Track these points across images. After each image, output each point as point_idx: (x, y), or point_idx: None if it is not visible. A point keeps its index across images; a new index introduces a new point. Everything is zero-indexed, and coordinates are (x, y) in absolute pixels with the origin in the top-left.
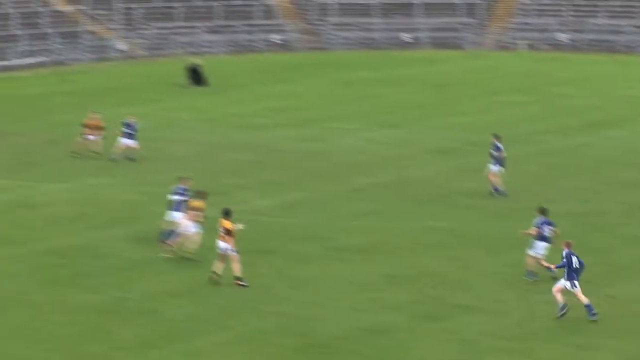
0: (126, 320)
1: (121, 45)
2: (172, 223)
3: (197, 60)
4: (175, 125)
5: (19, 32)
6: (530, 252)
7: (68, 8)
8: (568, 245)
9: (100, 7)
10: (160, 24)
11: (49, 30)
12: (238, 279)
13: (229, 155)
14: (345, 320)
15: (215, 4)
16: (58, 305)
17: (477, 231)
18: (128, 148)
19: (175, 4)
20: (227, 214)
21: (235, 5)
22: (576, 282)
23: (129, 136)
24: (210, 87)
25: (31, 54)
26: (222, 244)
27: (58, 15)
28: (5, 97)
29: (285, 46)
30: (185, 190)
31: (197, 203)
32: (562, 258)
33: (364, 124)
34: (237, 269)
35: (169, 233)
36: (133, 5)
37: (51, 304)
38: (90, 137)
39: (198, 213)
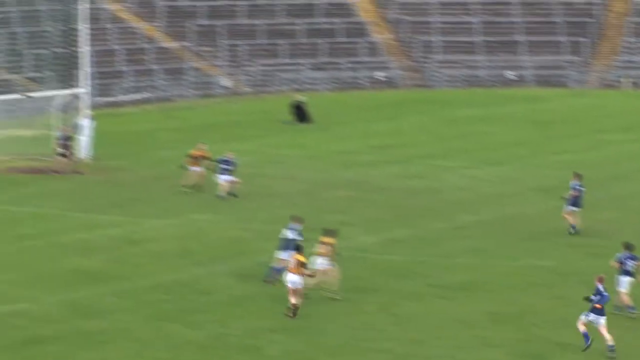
0: (227, 357)
1: (226, 81)
2: (282, 261)
3: (301, 97)
4: (279, 162)
5: (125, 69)
6: (619, 289)
7: (173, 44)
8: (601, 280)
9: (205, 43)
10: (264, 61)
11: (154, 67)
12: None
13: (332, 192)
14: (450, 358)
15: (319, 40)
16: (162, 341)
17: (579, 269)
18: (229, 184)
19: (280, 41)
20: (298, 250)
21: (339, 42)
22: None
23: (226, 172)
24: (314, 124)
25: (136, 90)
26: (292, 277)
27: (163, 52)
28: (111, 133)
29: (389, 83)
30: (297, 229)
31: (328, 239)
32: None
33: (467, 161)
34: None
35: (278, 270)
36: (238, 42)
37: (156, 339)
38: (194, 168)
39: (329, 249)
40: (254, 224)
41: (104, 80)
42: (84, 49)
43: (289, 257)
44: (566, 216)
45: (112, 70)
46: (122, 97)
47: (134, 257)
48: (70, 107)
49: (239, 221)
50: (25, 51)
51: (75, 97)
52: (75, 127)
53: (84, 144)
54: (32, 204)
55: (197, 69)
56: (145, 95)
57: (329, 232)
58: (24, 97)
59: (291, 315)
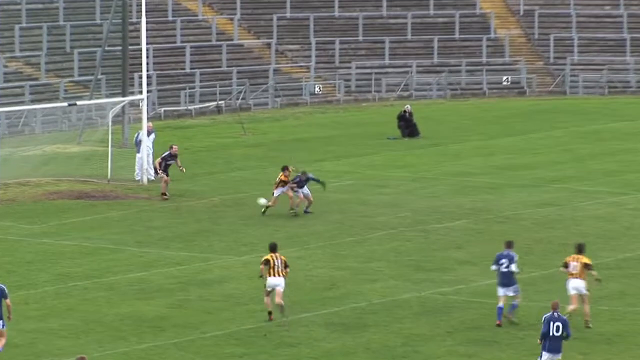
0: None
1: (316, 87)
2: (508, 298)
3: (407, 106)
4: (380, 186)
5: (192, 71)
6: None
7: (252, 42)
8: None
9: (292, 41)
10: (364, 62)
11: (229, 69)
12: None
13: (446, 222)
14: None
15: (432, 37)
16: None
17: None
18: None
19: (384, 38)
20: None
21: (455, 39)
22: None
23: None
24: (423, 138)
25: (207, 97)
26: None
27: (240, 51)
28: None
29: (516, 90)
30: (510, 255)
31: (584, 259)
32: None
33: (612, 185)
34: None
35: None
36: (331, 39)
37: None
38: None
39: (588, 271)
40: (349, 261)
41: (167, 86)
42: (143, 47)
43: (512, 292)
44: None
45: (177, 73)
46: (188, 106)
47: (202, 302)
48: (125, 118)
49: (331, 258)
50: (71, 50)
51: (132, 105)
52: (136, 143)
53: (142, 163)
54: (79, 236)
55: (281, 72)
56: (218, 104)
57: (580, 248)
58: (69, 105)
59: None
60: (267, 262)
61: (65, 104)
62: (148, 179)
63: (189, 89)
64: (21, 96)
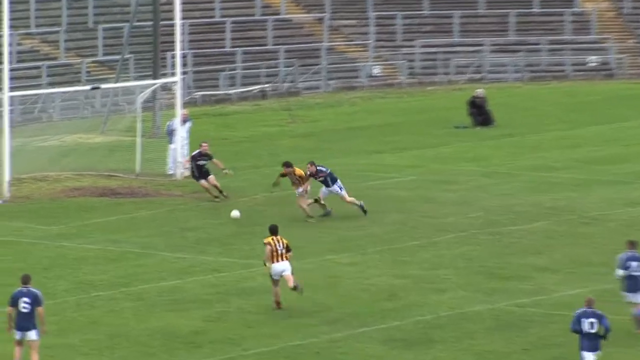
0: None
1: (376, 69)
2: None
3: (480, 91)
4: (448, 182)
5: (233, 50)
6: None
7: (302, 17)
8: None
9: (348, 16)
10: (430, 40)
11: (275, 47)
12: None
13: (523, 224)
14: None
15: (507, 12)
16: None
17: None
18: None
19: (453, 12)
20: None
21: (534, 14)
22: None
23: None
24: (497, 127)
25: (249, 80)
26: None
27: (287, 27)
28: (213, 139)
29: (604, 71)
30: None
31: None
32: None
33: None
34: None
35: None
36: (393, 14)
37: None
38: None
39: None
40: (412, 268)
41: (204, 67)
42: (177, 23)
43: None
44: None
45: (215, 52)
46: (229, 90)
47: (244, 314)
48: (156, 104)
49: (391, 264)
50: (95, 25)
51: (164, 89)
52: (168, 133)
53: (175, 155)
54: (103, 239)
55: (335, 51)
56: (262, 87)
57: None
58: (92, 88)
59: None
60: (269, 244)
61: (88, 87)
62: (182, 173)
63: (229, 70)
64: (37, 78)
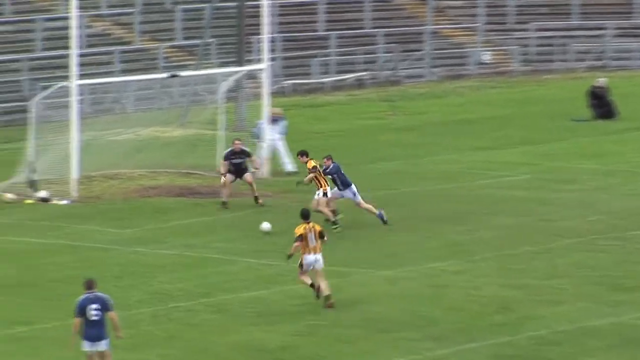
0: None
1: (485, 55)
2: None
3: (601, 80)
4: (566, 181)
5: (327, 33)
6: None
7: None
8: None
9: None
10: (546, 23)
11: (373, 32)
12: None
13: None
14: None
15: None
16: None
17: None
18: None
19: None
20: None
21: None
22: None
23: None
24: (621, 120)
25: (345, 67)
26: None
27: (388, 9)
28: (304, 133)
29: None
30: None
31: None
32: None
33: None
34: None
35: None
36: None
37: None
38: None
39: None
40: (525, 277)
41: (295, 52)
42: (265, 3)
43: None
44: None
45: (306, 36)
46: (322, 78)
47: (337, 328)
48: (241, 93)
49: (502, 273)
50: (172, 6)
51: (249, 77)
52: (256, 128)
53: (265, 152)
54: (180, 244)
55: (439, 35)
56: (359, 75)
57: None
58: (170, 76)
59: None
60: (301, 237)
61: (165, 75)
62: (287, 170)
63: (322, 56)
64: (109, 65)
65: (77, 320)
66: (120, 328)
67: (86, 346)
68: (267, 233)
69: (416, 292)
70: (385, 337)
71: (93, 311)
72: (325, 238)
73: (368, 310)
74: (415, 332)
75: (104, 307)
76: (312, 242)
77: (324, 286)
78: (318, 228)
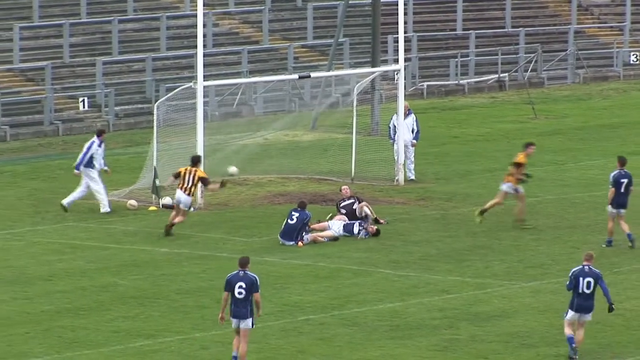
0: None
1: (633, 55)
2: None
3: None
4: None
5: (470, 33)
6: None
7: None
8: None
9: None
10: None
11: (514, 30)
12: None
13: None
14: None
15: None
16: None
17: None
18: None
19: None
20: None
21: None
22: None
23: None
24: None
25: (484, 68)
26: None
27: (530, 6)
28: (440, 137)
29: None
30: None
31: None
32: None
33: None
34: None
35: None
36: None
37: None
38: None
39: None
40: None
41: (432, 52)
42: (400, 1)
43: None
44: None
45: (445, 35)
46: (460, 80)
47: (476, 343)
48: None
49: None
50: (304, 3)
51: (384, 78)
52: (390, 132)
53: (398, 157)
54: (312, 253)
55: (584, 35)
56: (499, 77)
57: None
58: (301, 77)
59: None
60: (179, 174)
61: (296, 76)
62: (408, 177)
63: (461, 57)
64: (236, 65)
65: (225, 294)
66: (261, 308)
67: (233, 322)
68: (232, 175)
69: (561, 306)
70: (528, 353)
71: (238, 289)
72: (211, 186)
73: (510, 324)
74: (559, 348)
75: (249, 288)
76: (188, 182)
77: (178, 220)
78: (200, 174)
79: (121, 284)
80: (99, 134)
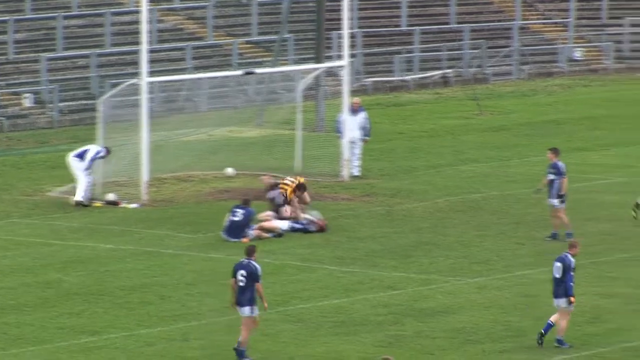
0: None
1: (577, 52)
2: None
3: None
4: None
5: (414, 29)
6: None
7: None
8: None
9: None
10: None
11: (457, 26)
12: None
13: None
14: None
15: None
16: None
17: None
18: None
19: None
20: None
21: None
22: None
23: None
24: None
25: (428, 64)
26: None
27: (474, 2)
28: (386, 133)
29: None
30: None
31: None
32: None
33: None
34: None
35: None
36: None
37: None
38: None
39: None
40: (620, 285)
41: (376, 49)
42: None
43: None
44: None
45: (389, 31)
46: (405, 76)
47: (421, 339)
48: (320, 91)
49: (595, 281)
50: (248, 0)
51: (329, 74)
52: (338, 125)
53: (346, 152)
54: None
55: (529, 31)
56: (444, 73)
57: None
58: (245, 74)
59: None
60: None
61: (240, 72)
62: (352, 174)
63: (406, 53)
64: (181, 62)
65: (231, 280)
66: (265, 300)
67: (237, 309)
68: (229, 176)
69: (505, 302)
70: (474, 349)
71: (239, 277)
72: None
73: (455, 320)
74: (504, 343)
75: (250, 277)
76: None
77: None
78: None
79: (66, 281)
80: (109, 151)
